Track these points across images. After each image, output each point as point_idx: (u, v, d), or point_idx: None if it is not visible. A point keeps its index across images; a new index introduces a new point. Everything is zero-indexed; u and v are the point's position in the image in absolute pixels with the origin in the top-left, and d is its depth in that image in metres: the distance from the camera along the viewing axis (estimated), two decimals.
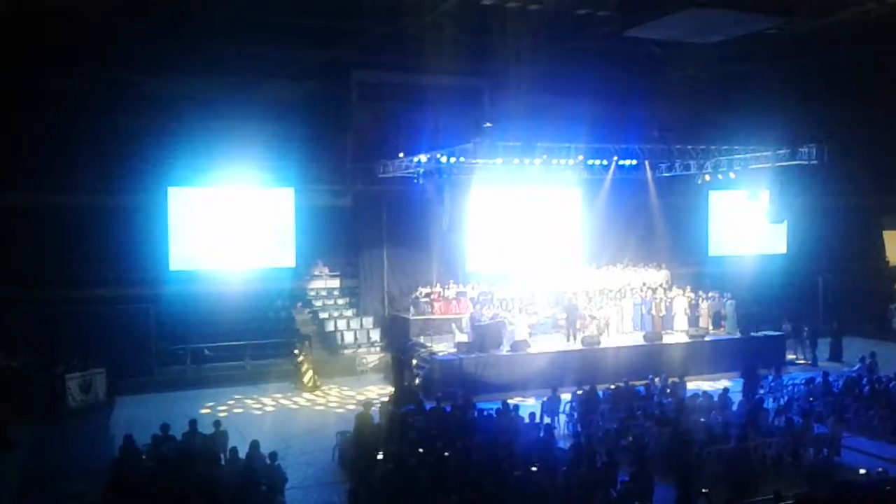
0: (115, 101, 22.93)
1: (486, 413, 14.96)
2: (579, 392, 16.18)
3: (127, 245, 22.83)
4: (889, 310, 29.42)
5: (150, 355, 21.29)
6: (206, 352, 21.76)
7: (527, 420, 14.20)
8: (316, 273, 25.68)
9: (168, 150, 23.29)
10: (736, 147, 23.44)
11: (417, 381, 19.51)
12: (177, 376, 21.16)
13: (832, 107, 26.07)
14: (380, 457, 12.33)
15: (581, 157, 22.63)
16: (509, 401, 14.98)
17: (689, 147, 23.60)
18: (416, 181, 22.96)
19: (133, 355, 20.62)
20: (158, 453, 12.58)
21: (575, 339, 21.30)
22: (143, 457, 12.40)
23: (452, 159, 21.23)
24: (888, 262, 32.59)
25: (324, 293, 25.55)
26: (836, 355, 23.60)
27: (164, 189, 23.58)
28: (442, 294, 23.73)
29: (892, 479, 11.25)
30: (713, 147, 23.59)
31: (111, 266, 22.75)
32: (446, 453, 12.32)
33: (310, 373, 20.57)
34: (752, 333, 22.58)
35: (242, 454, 12.14)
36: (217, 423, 13.75)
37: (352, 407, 15.96)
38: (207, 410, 18.04)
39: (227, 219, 24.24)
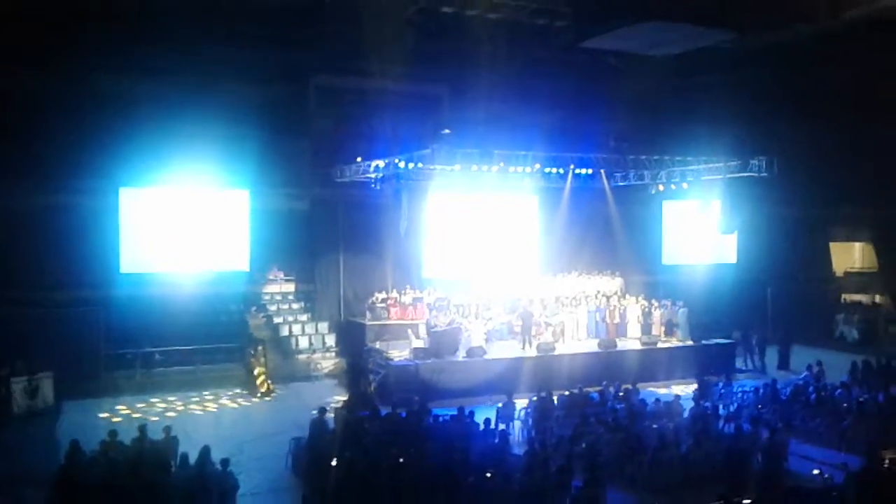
0: (66, 100, 22.39)
1: (441, 419, 14.95)
2: (534, 398, 16.28)
3: (76, 246, 22.20)
4: (835, 319, 30.18)
5: (99, 360, 20.83)
6: (157, 356, 21.38)
7: (482, 426, 14.20)
8: (270, 277, 25.46)
9: (120, 150, 22.75)
10: (688, 158, 23.91)
11: (373, 386, 19.43)
12: (126, 381, 20.70)
13: (782, 120, 26.67)
14: (334, 463, 12.23)
15: (538, 166, 22.89)
16: (465, 407, 14.95)
17: (644, 157, 24.01)
18: (373, 186, 22.92)
19: (81, 360, 20.16)
20: (106, 459, 12.28)
21: (530, 345, 21.42)
22: (91, 463, 12.10)
23: (410, 165, 21.27)
24: (834, 272, 33.42)
25: (278, 297, 25.33)
26: (783, 363, 24.12)
27: (115, 189, 23.15)
28: (398, 300, 23.72)
29: (838, 485, 11.52)
30: (666, 157, 24.05)
31: (59, 268, 22.07)
32: (401, 459, 12.27)
33: (263, 377, 20.34)
34: (704, 341, 22.96)
35: (193, 460, 11.90)
36: (167, 429, 13.52)
37: (306, 412, 15.77)
38: (157, 416, 17.70)
39: (180, 220, 23.87)
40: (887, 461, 12.07)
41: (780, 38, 23.42)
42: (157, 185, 23.54)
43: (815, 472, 12.12)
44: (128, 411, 18.38)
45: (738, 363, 23.63)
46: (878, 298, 31.81)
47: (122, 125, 22.59)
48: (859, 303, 31.71)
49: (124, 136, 22.58)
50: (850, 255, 34.13)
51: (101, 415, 17.69)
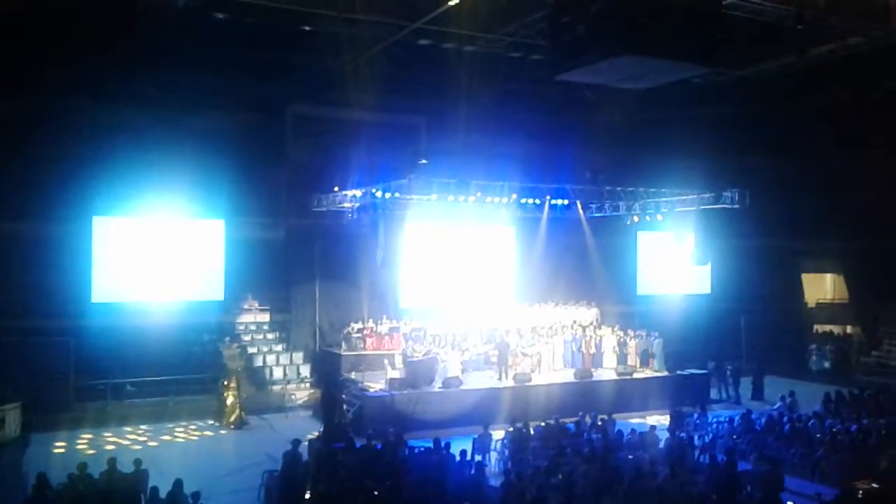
0: (40, 127, 22.23)
1: (417, 451, 14.83)
2: (510, 429, 16.21)
3: (47, 275, 21.90)
4: (807, 350, 30.49)
5: (69, 390, 20.46)
6: (129, 387, 21.07)
7: (458, 457, 14.11)
8: (245, 307, 25.23)
9: (94, 179, 22.61)
10: (663, 190, 24.21)
11: (348, 417, 19.24)
12: (97, 412, 20.29)
13: (753, 154, 27.14)
14: (307, 496, 12.08)
15: (514, 196, 23.07)
16: (441, 438, 14.86)
17: (619, 189, 24.27)
18: (350, 216, 22.93)
19: (50, 390, 19.78)
20: (75, 493, 12.07)
21: (507, 376, 21.37)
22: (59, 497, 11.85)
23: (387, 194, 21.36)
24: (806, 303, 33.80)
25: (253, 327, 25.09)
26: (757, 394, 24.26)
27: (88, 218, 22.92)
28: (374, 330, 23.60)
29: None
30: (641, 189, 24.33)
31: (30, 297, 21.75)
32: (376, 492, 12.14)
33: (236, 409, 20.08)
34: (679, 372, 23.07)
35: (164, 494, 11.73)
36: (137, 462, 13.27)
37: (279, 444, 15.57)
38: (127, 449, 17.38)
39: (154, 250, 23.65)
40: (861, 492, 12.14)
41: (750, 74, 23.91)
42: (131, 214, 23.36)
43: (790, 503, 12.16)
44: (98, 443, 18.04)
45: (713, 393, 23.76)
46: (849, 329, 32.18)
47: (96, 153, 22.52)
48: (831, 333, 32.06)
49: (99, 165, 22.48)
50: (821, 287, 34.55)
51: (70, 447, 17.33)
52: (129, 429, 19.43)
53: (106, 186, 22.69)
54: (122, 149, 22.66)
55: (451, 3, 18.21)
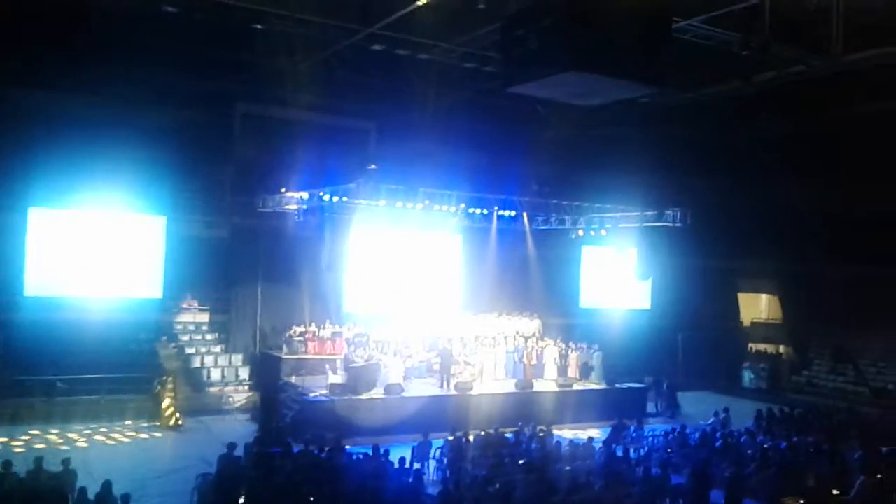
0: None
1: (355, 457, 14.73)
2: (450, 438, 16.21)
3: None
4: (742, 367, 31.26)
5: None
6: (59, 384, 20.37)
7: (397, 465, 14.06)
8: (184, 306, 24.76)
9: (32, 168, 21.92)
10: (607, 206, 24.59)
11: (286, 422, 19.01)
12: (24, 409, 19.56)
13: (697, 174, 27.70)
14: (242, 501, 11.89)
15: (462, 205, 23.14)
16: (380, 445, 14.78)
17: (565, 202, 24.58)
18: (296, 218, 22.68)
19: None
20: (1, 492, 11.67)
21: (448, 384, 21.39)
22: None
23: (335, 198, 21.19)
24: (742, 322, 34.67)
25: (191, 327, 24.64)
26: (672, 409, 24.54)
27: (23, 208, 22.22)
28: (316, 334, 23.39)
29: None
30: (587, 204, 24.69)
31: None
32: (312, 498, 12.02)
33: (171, 409, 19.68)
34: (617, 385, 23.40)
35: (92, 495, 11.41)
36: (66, 461, 12.92)
37: (215, 447, 15.28)
38: (56, 447, 16.87)
39: (91, 244, 23.04)
40: None
41: (697, 97, 24.47)
42: (69, 206, 22.71)
43: None
44: (25, 441, 17.46)
45: (650, 407, 24.15)
46: (781, 349, 33.11)
47: (34, 142, 21.77)
48: (764, 352, 32.94)
49: (37, 154, 21.74)
50: (756, 306, 35.47)
51: None
52: (58, 427, 18.86)
53: (43, 177, 22.01)
54: (63, 139, 21.98)
55: (406, 10, 18.19)
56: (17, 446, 17.05)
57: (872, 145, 24.25)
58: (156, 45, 20.48)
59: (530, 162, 25.81)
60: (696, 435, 18.21)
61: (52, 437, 18.04)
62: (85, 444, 17.78)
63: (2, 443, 17.17)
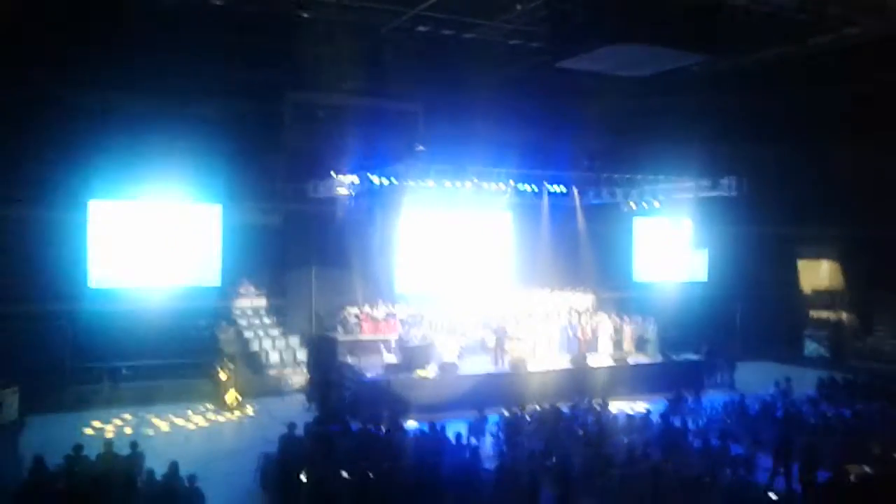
0: (37, 112, 22.16)
1: (412, 435, 14.91)
2: (506, 413, 16.29)
3: (44, 259, 21.93)
4: (803, 336, 30.59)
5: (65, 373, 20.56)
6: (124, 371, 21.11)
7: (453, 441, 14.19)
8: (241, 291, 25.25)
9: (91, 163, 22.59)
10: (660, 177, 24.22)
11: (344, 401, 19.31)
12: (93, 395, 20.38)
13: (752, 141, 27.11)
14: (303, 479, 12.14)
15: (511, 182, 23.05)
16: (436, 422, 14.93)
17: (616, 175, 24.29)
18: (348, 202, 22.87)
19: (47, 373, 19.83)
20: (71, 475, 12.08)
21: (502, 361, 21.44)
22: (55, 478, 11.89)
23: (384, 180, 21.31)
24: (802, 290, 33.88)
25: (249, 312, 25.12)
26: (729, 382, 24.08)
27: (84, 202, 22.92)
28: (370, 315, 23.65)
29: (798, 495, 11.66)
30: (638, 176, 24.35)
31: (26, 280, 21.74)
32: (371, 475, 12.21)
33: (232, 392, 20.15)
34: (673, 357, 23.14)
35: (160, 476, 11.78)
36: (134, 445, 13.32)
37: (276, 428, 15.66)
38: (124, 431, 17.45)
39: (150, 234, 23.71)
40: (853, 476, 12.23)
41: (749, 63, 23.88)
42: (127, 198, 23.36)
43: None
44: (94, 426, 18.10)
45: (708, 379, 23.80)
46: (843, 316, 32.28)
47: (93, 138, 22.43)
48: (826, 320, 32.16)
49: (95, 149, 22.42)
50: (816, 273, 34.59)
51: (67, 430, 17.37)
52: (125, 412, 19.49)
53: (103, 170, 22.67)
54: (120, 133, 22.63)
55: None
56: (87, 431, 17.67)
57: None
58: (204, 38, 20.88)
59: (579, 136, 25.61)
60: (757, 405, 17.93)
61: (120, 422, 18.63)
62: (151, 428, 18.33)
63: (73, 428, 17.78)
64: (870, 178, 26.47)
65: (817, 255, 34.05)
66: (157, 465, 12.32)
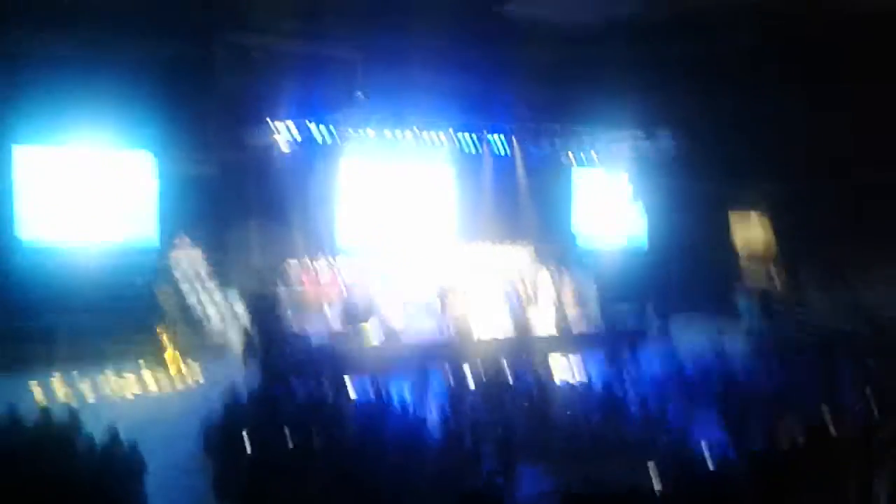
0: None
1: (355, 396, 14.91)
2: (449, 375, 16.38)
3: None
4: (735, 290, 31.43)
5: None
6: (58, 330, 20.43)
7: (397, 404, 14.25)
8: (179, 246, 24.59)
9: (14, 106, 21.48)
10: (598, 128, 24.28)
11: (287, 360, 19.16)
12: (24, 356, 19.52)
13: (686, 95, 27.27)
14: (246, 441, 12.05)
15: (451, 131, 22.85)
16: (380, 383, 14.95)
17: (556, 125, 24.27)
18: (286, 150, 22.37)
19: None
20: (4, 441, 11.78)
21: (446, 317, 21.49)
22: None
23: (323, 128, 20.86)
24: (734, 245, 34.68)
25: (187, 268, 24.50)
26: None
27: (8, 147, 21.85)
28: (313, 269, 23.31)
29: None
30: (577, 127, 24.36)
31: None
32: (315, 436, 12.20)
33: (172, 352, 19.78)
34: (612, 311, 23.56)
35: (98, 441, 11.54)
36: (71, 409, 13.01)
37: (217, 389, 15.47)
38: (59, 394, 17.00)
39: (82, 185, 22.84)
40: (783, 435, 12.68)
41: (684, 11, 23.84)
42: (54, 144, 22.36)
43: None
44: (26, 389, 17.56)
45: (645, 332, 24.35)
46: (772, 268, 33.24)
47: (15, 80, 21.28)
48: (757, 271, 33.05)
49: (18, 91, 21.28)
50: (748, 227, 35.45)
51: None
52: (60, 374, 18.88)
53: (27, 114, 21.62)
54: (44, 75, 21.46)
55: None
56: (19, 394, 17.13)
57: (867, 50, 23.74)
58: None
59: (519, 86, 25.45)
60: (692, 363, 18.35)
61: (55, 385, 18.10)
62: (88, 390, 17.88)
63: (3, 391, 17.23)
64: (803, 132, 26.95)
65: (750, 211, 34.86)
66: (95, 429, 12.04)
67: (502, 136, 24.39)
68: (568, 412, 13.94)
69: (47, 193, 22.44)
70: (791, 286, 31.40)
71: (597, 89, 26.57)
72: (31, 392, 17.18)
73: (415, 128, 21.77)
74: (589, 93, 26.59)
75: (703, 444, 13.57)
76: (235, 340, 21.87)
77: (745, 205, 34.16)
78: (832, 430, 12.40)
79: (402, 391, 14.80)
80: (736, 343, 20.83)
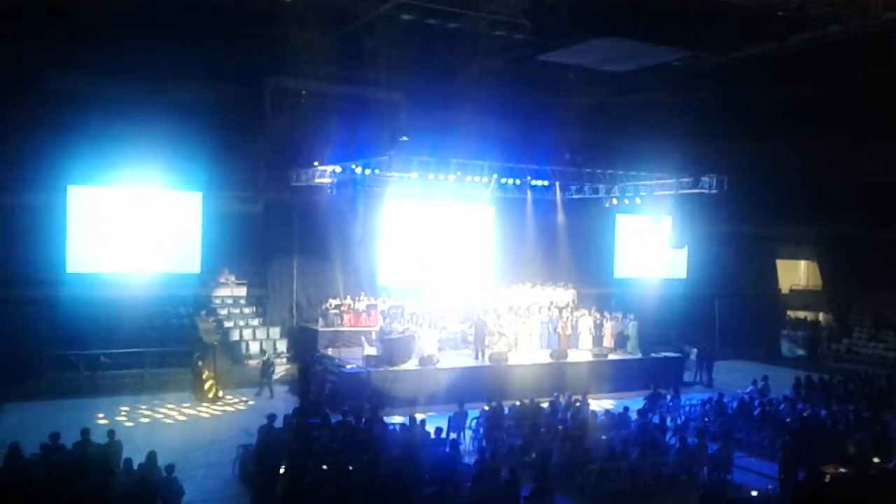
0: (16, 96, 21.76)
1: (392, 428, 14.90)
2: (486, 408, 16.30)
3: (21, 244, 21.63)
4: (780, 335, 30.88)
5: (42, 360, 20.34)
6: (102, 358, 20.87)
7: (433, 435, 14.19)
8: (222, 280, 25.08)
9: (70, 148, 22.22)
10: (641, 173, 24.31)
11: (324, 393, 19.25)
12: (70, 383, 20.16)
13: (732, 139, 27.23)
14: (282, 471, 12.09)
15: (495, 176, 23.07)
16: (416, 415, 14.93)
17: (598, 171, 24.33)
18: (329, 191, 22.78)
19: (23, 360, 19.68)
20: (47, 463, 11.96)
21: (483, 355, 21.46)
22: (30, 466, 11.76)
23: (367, 171, 21.23)
24: (780, 289, 34.19)
25: (229, 301, 24.97)
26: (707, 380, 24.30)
27: (63, 187, 22.65)
28: (352, 306, 23.55)
29: (777, 495, 11.77)
30: (620, 172, 24.42)
31: (4, 266, 21.42)
32: (350, 468, 12.19)
33: (211, 383, 20.01)
34: (653, 354, 23.28)
35: (137, 466, 11.68)
36: (111, 433, 13.17)
37: (255, 419, 15.59)
38: (101, 420, 17.28)
39: (130, 220, 23.49)
40: (828, 476, 12.36)
41: (730, 60, 23.95)
42: (107, 184, 23.13)
43: (754, 493, 12.35)
44: (71, 414, 17.86)
45: (687, 377, 24.00)
46: (821, 316, 32.62)
47: (73, 122, 22.08)
48: (803, 319, 32.49)
49: (75, 134, 22.08)
50: (795, 273, 34.98)
51: (44, 417, 17.17)
52: (102, 400, 19.24)
53: (82, 155, 22.37)
54: (100, 118, 22.28)
55: None
56: (64, 419, 17.45)
57: None
58: (186, 22, 20.59)
59: (562, 130, 25.56)
60: (734, 404, 18.08)
61: (97, 410, 18.42)
62: (129, 417, 18.17)
63: (49, 416, 17.58)
64: (848, 176, 26.68)
65: (796, 255, 34.45)
66: (134, 454, 12.20)
67: (545, 181, 24.50)
68: (607, 449, 13.71)
69: (97, 229, 23.06)
70: (837, 332, 30.74)
71: (639, 134, 26.65)
72: (78, 417, 17.47)
73: (458, 171, 21.98)
74: (631, 137, 26.66)
75: (742, 485, 13.35)
76: (276, 373, 22.02)
77: (791, 249, 33.77)
78: (880, 476, 12.09)
79: (439, 425, 14.71)
80: (780, 386, 20.35)
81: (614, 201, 25.57)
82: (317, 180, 23.10)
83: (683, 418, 17.69)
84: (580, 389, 18.85)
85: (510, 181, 24.24)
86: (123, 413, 18.40)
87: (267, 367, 21.10)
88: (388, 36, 22.12)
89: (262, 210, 25.07)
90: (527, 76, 25.24)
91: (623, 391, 21.55)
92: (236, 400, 20.27)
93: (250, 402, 20.03)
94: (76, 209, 22.94)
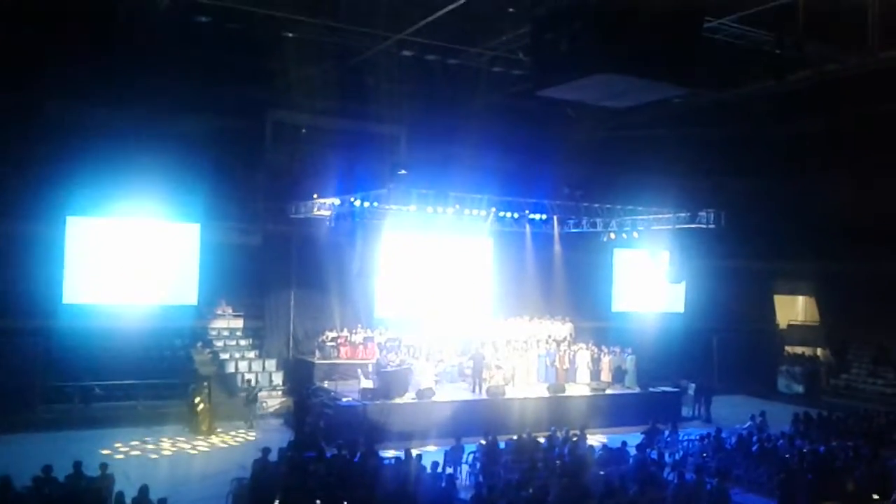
0: (14, 126, 21.90)
1: (388, 462, 14.75)
2: (482, 442, 16.17)
3: (18, 274, 21.67)
4: (778, 371, 30.78)
5: (35, 392, 20.17)
6: (97, 390, 20.75)
7: (429, 470, 14.04)
8: (218, 312, 24.98)
9: (69, 179, 22.32)
10: (639, 208, 24.41)
11: (320, 426, 19.10)
12: (63, 415, 19.99)
13: (730, 175, 27.42)
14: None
15: (493, 209, 23.15)
16: (412, 450, 14.79)
17: (596, 205, 24.43)
18: (328, 224, 22.84)
19: (17, 391, 19.53)
20: (39, 496, 11.85)
21: (480, 388, 21.36)
22: (22, 499, 11.63)
23: (366, 203, 21.31)
24: (778, 325, 34.15)
25: (226, 333, 24.85)
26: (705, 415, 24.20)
27: (62, 218, 22.67)
28: (349, 339, 23.49)
29: None
30: (618, 206, 24.52)
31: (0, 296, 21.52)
32: (346, 502, 12.05)
33: (206, 415, 19.86)
34: (651, 389, 23.19)
35: (129, 499, 11.55)
36: (104, 466, 13.04)
37: (249, 452, 15.43)
38: (94, 453, 17.08)
39: (127, 252, 23.44)
40: None
41: (729, 97, 24.19)
42: (105, 215, 23.13)
43: None
44: (64, 446, 17.68)
45: (685, 411, 23.88)
46: (819, 352, 32.54)
47: (72, 153, 22.16)
48: (801, 355, 32.40)
49: (74, 165, 22.13)
50: (793, 308, 34.94)
51: (36, 449, 17.00)
52: (96, 432, 19.10)
53: (80, 186, 22.43)
54: (98, 149, 22.33)
55: (436, 15, 18.25)
56: (57, 451, 17.27)
57: None
58: (187, 56, 20.80)
59: (561, 165, 25.69)
60: (733, 439, 17.97)
61: (91, 443, 18.24)
62: (122, 449, 18.00)
63: (42, 448, 17.40)
64: (846, 212, 26.79)
65: (794, 290, 34.45)
66: (127, 487, 12.08)
67: (543, 215, 24.58)
68: (604, 485, 13.56)
69: (94, 260, 23.04)
70: (836, 365, 30.65)
71: (637, 169, 26.81)
72: (71, 449, 17.31)
73: (456, 204, 22.07)
74: (630, 172, 26.82)
75: None
76: (271, 406, 21.90)
77: (789, 285, 33.78)
78: None
79: (436, 460, 14.58)
80: (779, 421, 20.24)
81: (612, 235, 25.63)
82: (315, 212, 23.17)
83: (682, 453, 17.54)
84: (578, 424, 18.71)
85: (508, 215, 24.32)
86: (117, 446, 18.22)
87: (249, 398, 20.97)
88: (388, 71, 22.36)
89: (261, 242, 25.08)
90: (526, 111, 25.42)
91: (621, 426, 21.41)
92: (231, 433, 20.11)
93: (246, 436, 19.85)
94: (74, 240, 22.91)
